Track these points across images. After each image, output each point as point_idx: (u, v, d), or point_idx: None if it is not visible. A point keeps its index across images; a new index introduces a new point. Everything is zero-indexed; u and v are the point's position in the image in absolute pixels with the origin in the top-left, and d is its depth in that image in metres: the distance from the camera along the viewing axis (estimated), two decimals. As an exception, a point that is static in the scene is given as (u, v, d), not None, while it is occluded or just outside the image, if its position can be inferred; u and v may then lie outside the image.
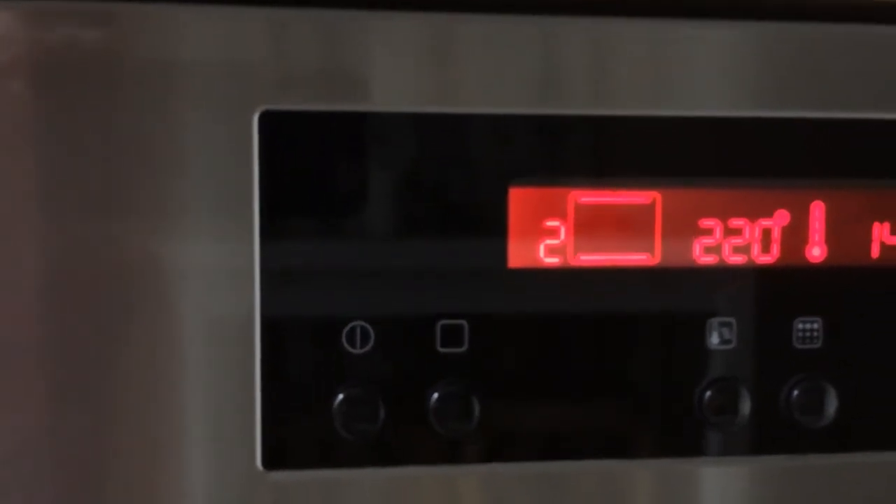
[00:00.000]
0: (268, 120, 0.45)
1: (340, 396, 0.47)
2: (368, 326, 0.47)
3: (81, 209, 0.45)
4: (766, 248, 0.49)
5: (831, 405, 0.50)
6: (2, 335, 0.45)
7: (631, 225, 0.49)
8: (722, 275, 0.49)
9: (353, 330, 0.47)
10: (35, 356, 0.45)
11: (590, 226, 0.48)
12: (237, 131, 0.45)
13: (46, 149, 0.44)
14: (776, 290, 0.50)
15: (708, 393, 0.49)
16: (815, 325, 0.50)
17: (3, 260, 0.45)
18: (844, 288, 0.50)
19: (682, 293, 0.49)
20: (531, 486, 0.49)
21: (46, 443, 0.46)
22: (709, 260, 0.49)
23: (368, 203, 0.47)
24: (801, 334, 0.50)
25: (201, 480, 0.47)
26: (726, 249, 0.49)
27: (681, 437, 0.50)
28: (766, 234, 0.49)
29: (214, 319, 0.46)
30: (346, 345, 0.47)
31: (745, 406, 0.50)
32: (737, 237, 0.49)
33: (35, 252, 0.45)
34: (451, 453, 0.48)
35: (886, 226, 0.50)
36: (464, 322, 0.48)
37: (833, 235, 0.50)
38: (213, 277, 0.46)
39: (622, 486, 0.50)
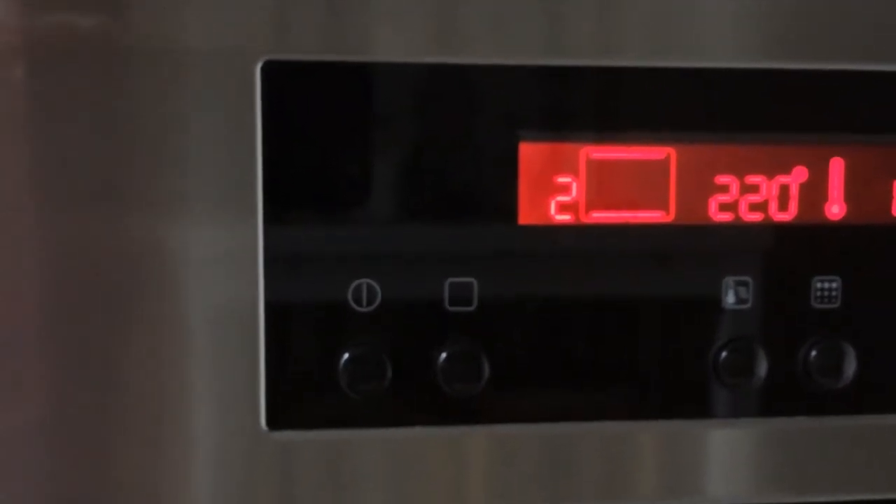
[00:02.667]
0: (271, 71, 0.44)
1: (346, 355, 0.46)
2: (375, 284, 0.46)
3: (81, 194, 0.44)
4: (783, 206, 0.48)
5: (850, 366, 0.49)
6: (6, 323, 0.44)
7: (645, 181, 0.47)
8: (738, 233, 0.48)
9: (359, 287, 0.46)
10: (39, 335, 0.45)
11: (602, 182, 0.47)
12: (240, 86, 0.44)
13: (43, 133, 0.44)
14: (794, 248, 0.49)
15: (723, 353, 0.48)
16: (834, 285, 0.49)
17: (2, 248, 0.44)
18: (864, 246, 0.49)
19: (698, 251, 0.48)
20: (541, 447, 0.48)
21: (54, 411, 0.45)
22: (725, 217, 0.48)
23: (375, 157, 0.46)
24: (819, 293, 0.49)
25: (205, 440, 0.46)
26: (743, 207, 0.48)
27: (695, 399, 0.49)
28: (784, 190, 0.48)
29: (216, 302, 0.45)
30: (352, 303, 0.46)
31: (762, 367, 0.48)
32: (754, 194, 0.48)
33: (33, 238, 0.44)
34: (458, 414, 0.47)
35: (908, 183, 0.49)
36: (473, 280, 0.47)
37: (852, 193, 0.48)
38: (215, 248, 0.45)
39: (634, 447, 0.49)
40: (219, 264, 0.45)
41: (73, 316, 0.45)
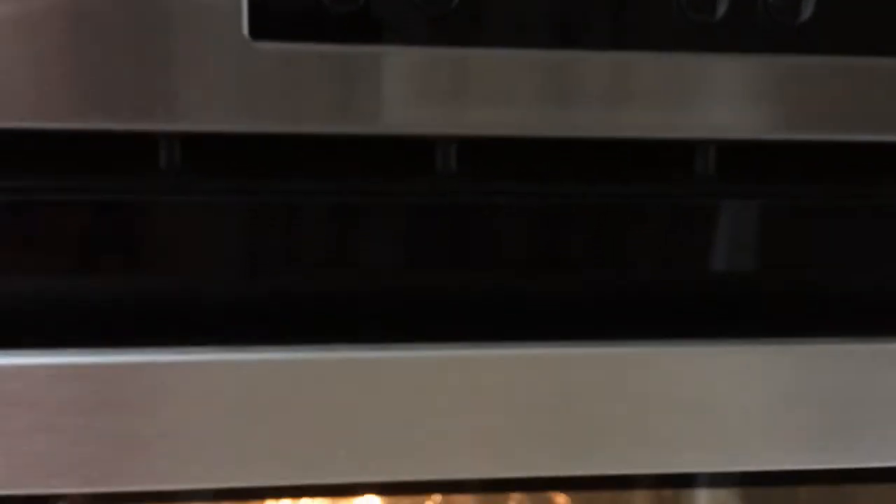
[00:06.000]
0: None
1: (328, -30, 0.48)
2: None
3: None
4: None
5: (808, 3, 0.51)
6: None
7: None
8: None
9: None
10: None
11: None
12: None
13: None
14: None
15: (686, -13, 0.50)
16: (795, -78, 0.50)
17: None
18: None
19: None
20: (538, 75, 0.50)
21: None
22: None
23: None
24: (780, -69, 0.50)
25: (190, 51, 0.48)
26: None
27: (662, 29, 0.50)
28: None
29: None
30: (329, -80, 0.48)
31: (723, 3, 0.50)
32: None
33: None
34: (436, 34, 0.49)
35: None
36: None
37: None
38: None
39: (632, 77, 0.51)
40: None
41: None
